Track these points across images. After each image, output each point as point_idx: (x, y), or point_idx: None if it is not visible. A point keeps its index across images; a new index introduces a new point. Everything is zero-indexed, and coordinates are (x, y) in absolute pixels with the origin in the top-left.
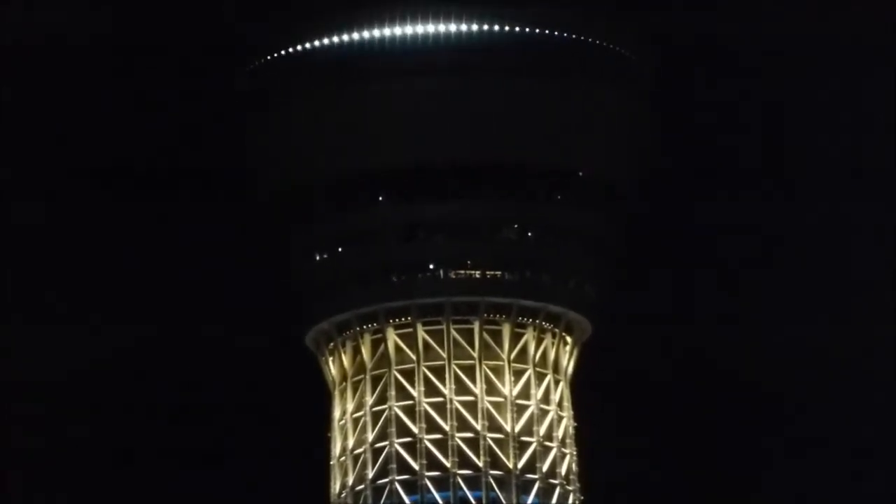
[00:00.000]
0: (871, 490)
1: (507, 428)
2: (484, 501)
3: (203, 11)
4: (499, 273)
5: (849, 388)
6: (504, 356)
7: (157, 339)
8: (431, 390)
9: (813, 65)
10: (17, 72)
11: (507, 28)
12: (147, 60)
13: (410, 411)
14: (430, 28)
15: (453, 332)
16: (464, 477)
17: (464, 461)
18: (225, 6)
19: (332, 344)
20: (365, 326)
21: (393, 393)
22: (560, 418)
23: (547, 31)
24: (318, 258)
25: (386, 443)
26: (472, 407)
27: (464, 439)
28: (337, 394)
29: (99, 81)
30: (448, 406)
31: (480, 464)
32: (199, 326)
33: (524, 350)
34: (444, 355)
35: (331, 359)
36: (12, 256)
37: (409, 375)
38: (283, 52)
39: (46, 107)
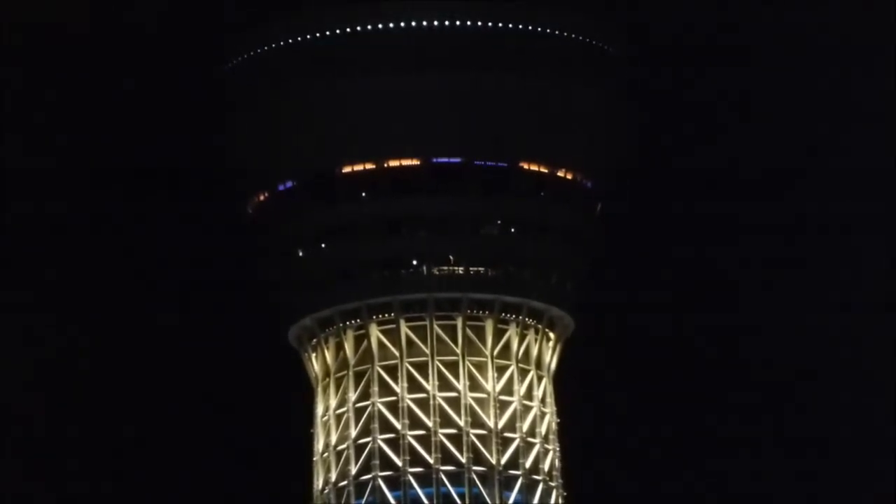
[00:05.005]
0: (871, 490)
1: (490, 424)
2: (467, 497)
3: (184, 9)
4: (481, 269)
5: (847, 387)
6: (487, 352)
7: (138, 335)
8: (414, 386)
9: (807, 60)
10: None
11: (487, 24)
12: (126, 60)
13: (393, 407)
14: (411, 24)
15: (436, 329)
16: (447, 473)
17: (447, 457)
18: (208, 8)
19: (314, 340)
20: (347, 322)
21: (376, 389)
22: (543, 414)
23: (527, 27)
24: (300, 254)
25: (369, 439)
26: (455, 403)
27: (447, 435)
28: (319, 390)
29: (79, 80)
30: (431, 402)
31: (463, 460)
32: (181, 323)
33: (507, 346)
34: (427, 351)
35: (313, 355)
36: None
37: (392, 371)
38: (264, 48)
39: (30, 106)
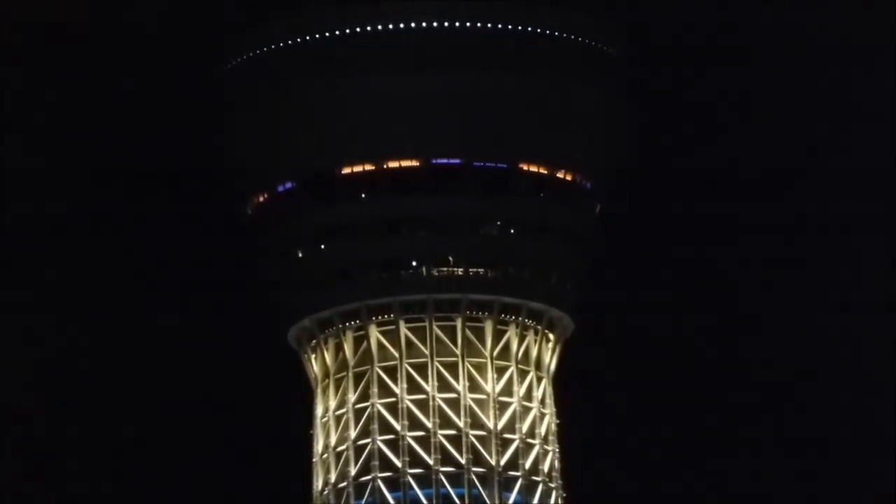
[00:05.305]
0: (871, 490)
1: (490, 425)
2: (467, 498)
3: (184, 9)
4: (481, 270)
5: (847, 387)
6: (486, 353)
7: (138, 335)
8: (414, 387)
9: (805, 60)
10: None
11: (486, 24)
12: (126, 60)
13: (393, 408)
14: (411, 24)
15: (436, 329)
16: (446, 474)
17: (446, 458)
18: (208, 8)
19: (314, 341)
20: (347, 323)
21: (375, 390)
22: (543, 415)
23: (526, 28)
24: (299, 255)
25: (368, 440)
26: (454, 404)
27: (446, 436)
28: (319, 391)
29: (79, 80)
30: (430, 403)
31: (463, 461)
32: (181, 323)
33: (507, 347)
34: (427, 352)
35: (313, 356)
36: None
37: (392, 372)
38: (264, 49)
39: (30, 106)
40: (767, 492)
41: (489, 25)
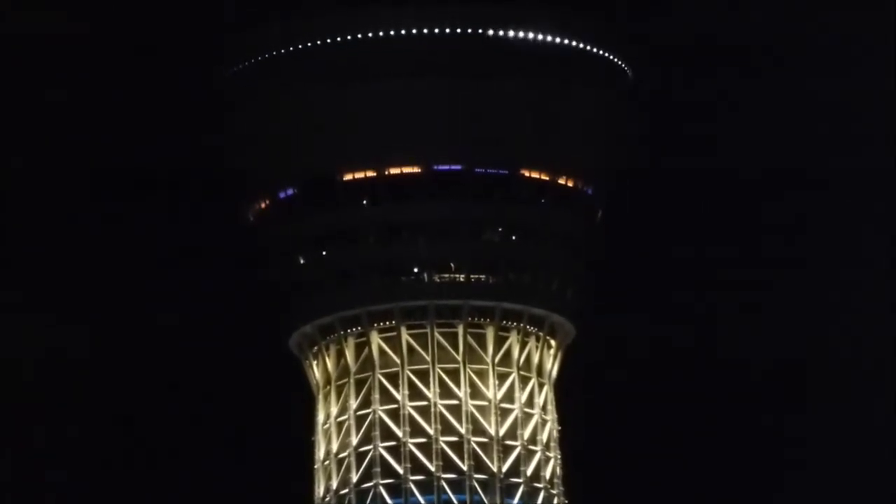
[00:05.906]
0: (871, 490)
1: (492, 431)
2: None
3: (184, 9)
4: (482, 276)
5: (847, 387)
6: (488, 359)
7: (138, 342)
8: (415, 394)
9: (805, 60)
10: None
11: (488, 30)
12: (126, 60)
13: (394, 415)
14: (412, 30)
15: (437, 336)
16: (448, 480)
17: (448, 465)
18: (208, 8)
19: (315, 347)
20: (348, 330)
21: (377, 396)
22: (544, 422)
23: (527, 33)
24: (301, 261)
25: (370, 446)
26: (456, 410)
27: (448, 443)
28: (321, 397)
29: (76, 80)
30: (432, 410)
31: (464, 467)
32: (181, 330)
33: (508, 353)
34: (428, 359)
35: (314, 362)
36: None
37: (394, 379)
38: (265, 55)
39: (30, 106)
40: (767, 491)
41: (490, 31)
